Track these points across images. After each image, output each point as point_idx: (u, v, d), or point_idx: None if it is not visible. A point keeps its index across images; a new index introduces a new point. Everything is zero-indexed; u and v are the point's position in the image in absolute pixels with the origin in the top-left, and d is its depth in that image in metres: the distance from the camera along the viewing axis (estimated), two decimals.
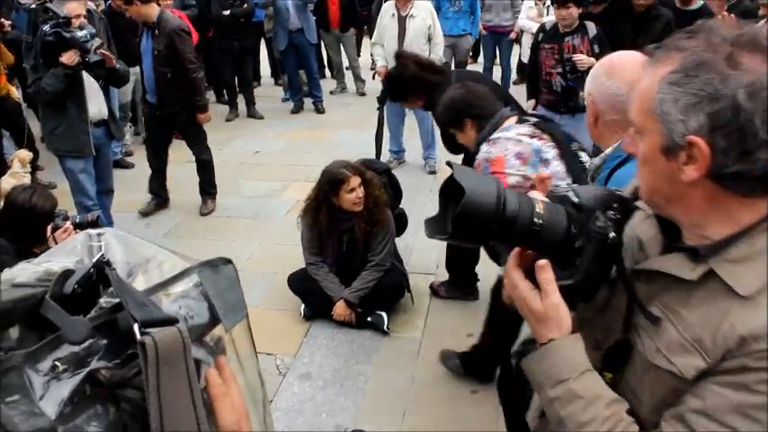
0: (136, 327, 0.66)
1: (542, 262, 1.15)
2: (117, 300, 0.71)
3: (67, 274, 0.72)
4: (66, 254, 0.81)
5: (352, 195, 4.15)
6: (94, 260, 0.73)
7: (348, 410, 3.62)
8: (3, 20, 6.97)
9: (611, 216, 1.14)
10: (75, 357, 0.68)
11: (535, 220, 1.11)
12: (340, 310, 4.29)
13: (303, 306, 4.47)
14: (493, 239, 1.14)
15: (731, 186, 1.04)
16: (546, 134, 2.79)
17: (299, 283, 4.48)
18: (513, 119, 2.94)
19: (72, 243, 0.83)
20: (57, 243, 3.23)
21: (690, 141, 1.02)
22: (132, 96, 7.80)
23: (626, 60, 1.95)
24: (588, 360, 1.17)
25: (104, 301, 0.73)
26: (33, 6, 6.33)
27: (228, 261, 0.91)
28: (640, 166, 1.14)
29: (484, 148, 2.84)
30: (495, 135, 2.83)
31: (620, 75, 1.92)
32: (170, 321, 0.70)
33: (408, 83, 4.09)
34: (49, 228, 3.26)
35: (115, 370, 0.72)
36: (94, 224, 3.43)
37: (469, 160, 3.18)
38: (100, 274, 0.72)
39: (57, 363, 0.68)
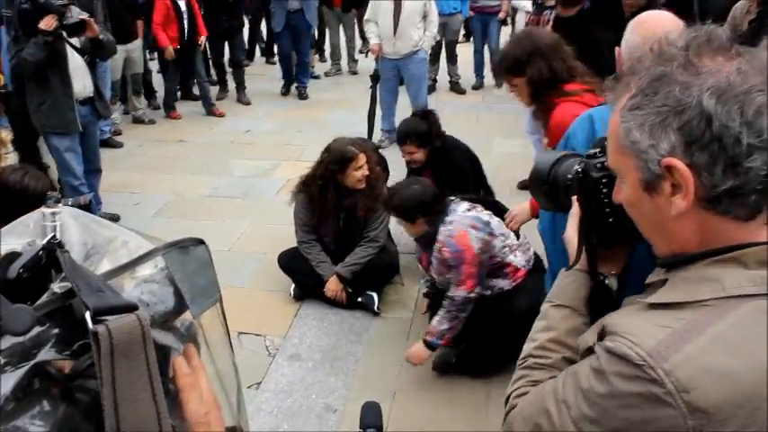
0: (88, 315, 0.60)
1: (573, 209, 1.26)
2: (70, 285, 0.65)
3: (12, 257, 0.66)
4: (18, 234, 0.75)
5: (359, 173, 4.12)
6: (44, 242, 0.67)
7: (338, 391, 3.58)
8: None
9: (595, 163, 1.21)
10: (20, 348, 0.61)
11: (568, 176, 1.27)
12: (332, 285, 4.23)
13: (293, 286, 4.42)
14: (549, 196, 1.35)
15: (729, 209, 0.91)
16: (478, 203, 3.64)
17: (289, 261, 4.43)
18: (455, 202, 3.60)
19: (25, 221, 0.76)
20: None
21: (666, 165, 0.91)
22: (123, 73, 7.70)
23: (652, 16, 2.00)
24: (579, 299, 1.23)
25: (57, 286, 0.67)
26: None
27: (200, 241, 0.84)
28: (630, 213, 1.05)
29: (443, 230, 3.46)
30: (448, 218, 3.49)
31: (640, 29, 1.93)
32: (128, 308, 0.63)
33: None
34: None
35: (67, 361, 0.66)
36: (87, 207, 3.36)
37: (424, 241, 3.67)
38: (50, 257, 0.66)
39: None
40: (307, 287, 4.38)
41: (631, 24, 1.99)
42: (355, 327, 4.15)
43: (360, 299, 4.28)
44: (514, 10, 8.75)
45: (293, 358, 3.85)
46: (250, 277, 4.61)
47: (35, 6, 4.43)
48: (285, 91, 9.26)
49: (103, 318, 0.62)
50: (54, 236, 0.70)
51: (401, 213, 3.65)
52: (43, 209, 0.76)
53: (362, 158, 4.13)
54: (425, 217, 3.54)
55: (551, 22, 5.26)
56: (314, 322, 4.20)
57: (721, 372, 0.84)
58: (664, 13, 2.01)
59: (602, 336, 0.98)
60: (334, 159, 4.12)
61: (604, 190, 1.16)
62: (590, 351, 1.00)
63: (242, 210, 5.75)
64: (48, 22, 4.44)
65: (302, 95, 9.11)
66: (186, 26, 7.87)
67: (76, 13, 4.55)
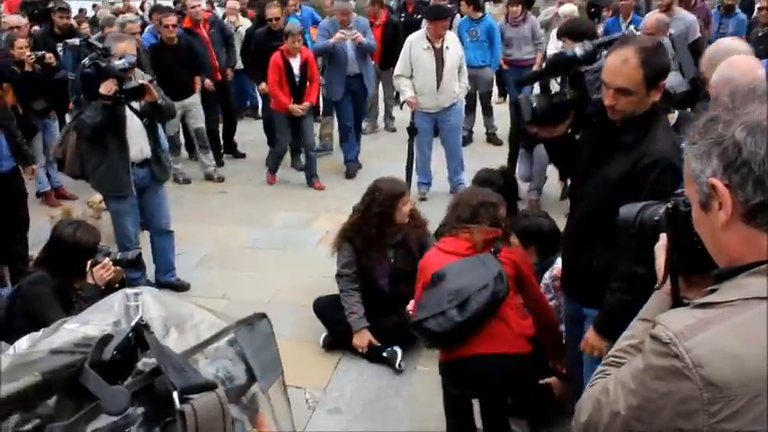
0: (175, 395, 0.66)
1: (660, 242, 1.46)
2: (154, 363, 0.71)
3: (106, 339, 0.72)
4: (104, 313, 0.81)
5: (407, 207, 4.30)
6: (133, 324, 0.73)
7: None
8: (46, 52, 7.06)
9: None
10: (114, 427, 0.67)
11: (655, 218, 1.52)
12: (358, 340, 4.30)
13: (324, 334, 4.47)
14: (637, 237, 1.60)
15: (760, 221, 1.10)
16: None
17: (324, 307, 4.52)
18: None
19: (109, 302, 0.82)
20: (94, 279, 3.27)
21: (710, 184, 1.12)
22: (183, 123, 7.86)
23: (740, 55, 2.90)
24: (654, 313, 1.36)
25: (142, 364, 0.72)
26: (77, 44, 6.52)
27: (263, 316, 0.90)
28: (699, 233, 1.25)
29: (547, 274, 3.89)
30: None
31: (736, 66, 2.76)
32: (209, 387, 0.69)
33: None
34: (89, 263, 3.31)
35: None
36: (135, 262, 3.48)
37: None
38: (138, 338, 0.72)
39: None
40: (338, 336, 4.42)
41: (725, 63, 2.65)
42: (395, 380, 4.16)
43: (384, 353, 4.29)
44: None
45: (333, 412, 3.87)
46: (289, 329, 4.65)
47: (98, 71, 4.50)
48: (353, 171, 8.06)
49: (188, 396, 0.67)
50: (141, 318, 0.76)
51: (521, 234, 3.89)
52: (126, 290, 0.82)
53: (408, 195, 4.35)
54: (538, 246, 3.88)
55: None
56: (354, 375, 4.22)
57: (732, 354, 1.03)
58: (740, 47, 2.73)
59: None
60: (388, 194, 4.27)
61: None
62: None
63: (282, 261, 5.83)
64: (107, 87, 4.49)
65: (351, 173, 8.04)
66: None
67: (139, 76, 4.66)
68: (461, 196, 3.65)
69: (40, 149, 7.08)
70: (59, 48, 7.32)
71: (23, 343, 0.72)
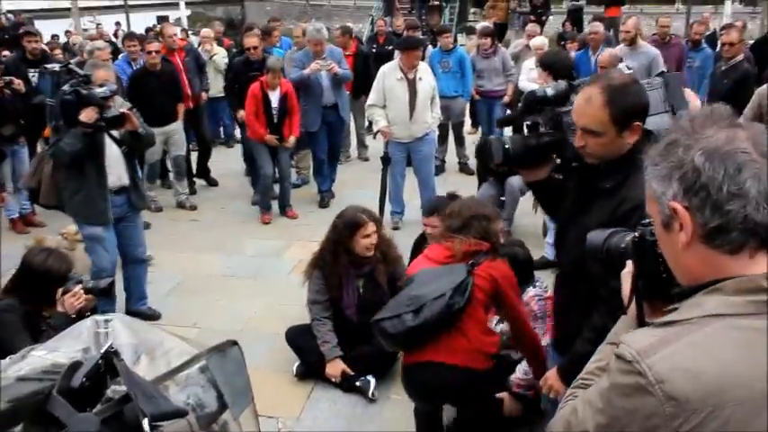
0: (145, 422, 0.65)
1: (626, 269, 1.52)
2: (124, 390, 0.70)
3: (75, 366, 0.71)
4: (73, 340, 0.80)
5: (366, 241, 4.24)
6: (102, 351, 0.72)
7: None
8: (15, 78, 6.96)
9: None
10: None
11: (621, 245, 1.62)
12: (331, 369, 4.28)
13: (296, 364, 4.43)
14: (604, 263, 1.69)
15: (718, 243, 1.15)
16: None
17: (296, 337, 4.49)
18: None
19: (79, 328, 0.82)
20: (64, 307, 3.22)
21: (671, 207, 1.17)
22: (162, 156, 7.84)
23: None
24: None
25: (111, 391, 0.72)
26: (57, 69, 6.45)
27: (234, 343, 0.90)
28: (663, 253, 1.30)
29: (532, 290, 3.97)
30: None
31: None
32: (179, 414, 0.68)
33: None
34: (60, 291, 3.26)
35: None
36: (107, 291, 3.43)
37: None
38: (108, 365, 0.71)
39: None
40: (311, 366, 4.39)
41: None
42: (368, 410, 4.13)
43: (357, 383, 4.27)
44: (520, 93, 8.94)
45: None
46: (262, 358, 4.61)
47: (79, 98, 4.43)
48: (327, 201, 7.97)
49: (158, 423, 0.66)
50: (110, 345, 0.75)
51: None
52: (96, 316, 0.81)
53: (371, 227, 4.25)
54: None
55: None
56: (326, 405, 4.19)
57: (689, 369, 1.07)
58: None
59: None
60: (345, 224, 4.28)
61: (658, 250, 1.36)
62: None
63: (254, 290, 5.79)
64: (88, 115, 4.42)
65: (324, 203, 7.96)
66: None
67: (118, 105, 4.59)
68: (455, 206, 3.60)
69: (8, 176, 7.00)
70: (31, 73, 7.25)
71: None
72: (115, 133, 4.72)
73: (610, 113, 2.28)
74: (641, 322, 1.42)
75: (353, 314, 4.38)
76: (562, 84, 2.69)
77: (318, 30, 7.50)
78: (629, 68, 4.67)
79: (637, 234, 1.49)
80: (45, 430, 0.67)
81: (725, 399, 1.04)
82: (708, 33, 10.50)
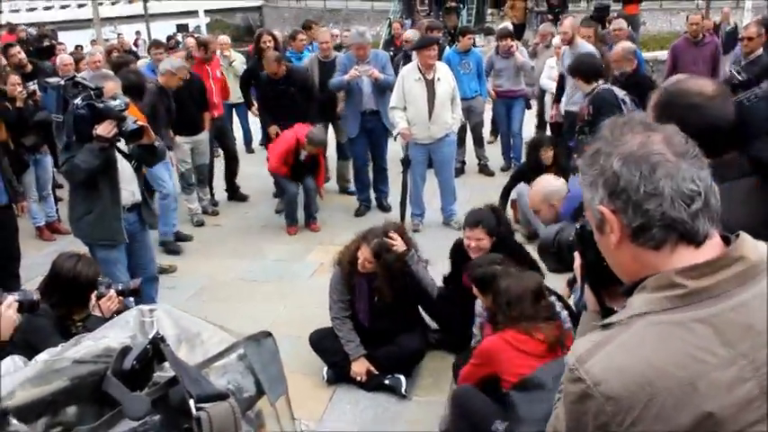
0: (192, 402, 0.69)
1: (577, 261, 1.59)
2: (170, 374, 0.74)
3: (125, 350, 0.76)
4: (120, 329, 0.84)
5: (361, 260, 4.34)
6: (150, 336, 0.77)
7: None
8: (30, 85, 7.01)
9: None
10: None
11: (569, 237, 1.66)
12: (357, 367, 4.33)
13: (325, 369, 4.47)
14: (556, 257, 1.77)
15: (642, 240, 1.23)
16: None
17: (320, 340, 4.53)
18: None
19: (124, 318, 0.86)
20: (101, 310, 3.28)
21: (600, 211, 1.26)
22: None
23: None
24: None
25: (158, 375, 0.76)
26: (62, 83, 6.35)
27: (269, 334, 0.94)
28: (602, 252, 1.38)
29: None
30: None
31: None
32: (222, 396, 0.73)
33: None
34: (94, 296, 3.32)
35: None
36: (136, 292, 3.49)
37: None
38: (155, 350, 0.76)
39: None
40: (339, 369, 4.43)
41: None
42: (390, 411, 4.16)
43: (387, 381, 4.31)
44: (542, 91, 8.95)
45: None
46: (284, 360, 4.61)
47: (93, 112, 4.20)
48: (362, 212, 7.80)
49: (203, 405, 0.71)
50: (157, 332, 0.79)
51: (479, 282, 3.87)
52: (141, 306, 0.86)
53: (365, 251, 4.33)
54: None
55: None
56: (348, 406, 4.22)
57: (619, 368, 1.14)
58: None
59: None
60: (357, 238, 4.46)
61: None
62: None
63: (276, 293, 5.85)
64: (106, 128, 4.19)
65: (384, 207, 7.84)
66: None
67: (131, 120, 4.34)
68: (509, 292, 3.48)
69: (32, 184, 7.09)
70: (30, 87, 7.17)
71: (44, 356, 0.75)
72: (125, 148, 4.50)
73: None
74: (604, 309, 1.50)
75: (365, 319, 4.46)
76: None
77: (362, 34, 7.48)
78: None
79: (578, 225, 1.57)
80: (99, 409, 0.71)
81: (654, 391, 1.11)
82: (729, 29, 10.39)
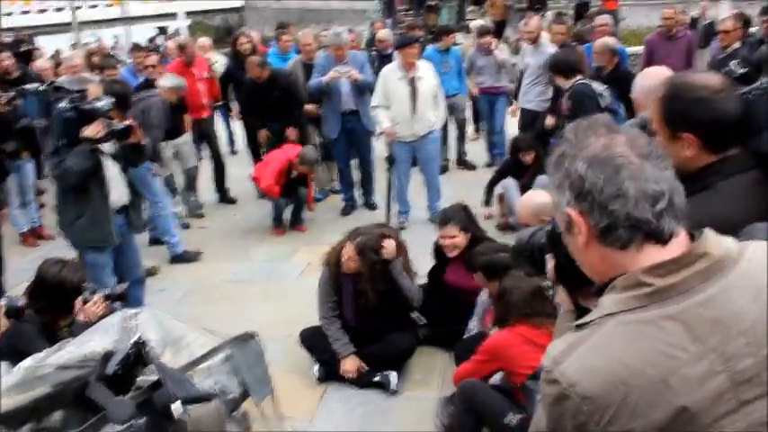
0: (178, 404, 0.70)
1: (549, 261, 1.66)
2: (154, 378, 0.75)
3: (108, 355, 0.76)
4: (103, 333, 0.85)
5: (344, 258, 4.34)
6: (132, 341, 0.77)
7: None
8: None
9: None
10: None
11: (542, 240, 1.70)
12: (347, 365, 4.34)
13: (316, 367, 4.48)
14: (530, 260, 1.81)
15: (609, 241, 1.25)
16: None
17: (311, 337, 4.54)
18: None
19: (108, 322, 0.86)
20: (85, 315, 3.27)
21: (567, 213, 1.27)
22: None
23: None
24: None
25: (141, 379, 0.76)
26: (42, 88, 6.21)
27: (253, 335, 0.94)
28: (573, 254, 1.40)
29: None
30: None
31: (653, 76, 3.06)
32: (207, 397, 0.73)
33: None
34: (78, 301, 3.31)
35: None
36: (123, 297, 3.48)
37: None
38: (137, 354, 0.76)
39: None
40: (329, 367, 4.44)
41: (640, 75, 3.03)
42: (381, 408, 4.17)
43: (377, 378, 4.32)
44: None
45: None
46: (274, 360, 4.55)
47: (80, 113, 4.20)
48: (348, 210, 7.79)
49: (187, 406, 0.71)
50: (140, 336, 0.80)
51: (487, 269, 3.91)
52: (125, 310, 0.86)
53: (348, 249, 4.33)
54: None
55: None
56: (338, 405, 4.23)
57: (592, 369, 1.16)
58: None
59: None
60: (344, 238, 4.45)
61: None
62: None
63: (264, 294, 5.84)
64: (95, 129, 4.19)
65: (371, 205, 7.83)
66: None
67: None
68: (512, 291, 3.48)
69: (15, 191, 7.01)
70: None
71: (27, 363, 0.76)
72: (110, 149, 4.51)
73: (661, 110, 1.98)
74: (579, 308, 1.52)
75: (352, 320, 4.48)
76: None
77: (338, 34, 7.42)
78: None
79: (548, 227, 1.59)
80: (83, 414, 0.71)
81: (628, 389, 1.13)
82: (706, 23, 10.46)
